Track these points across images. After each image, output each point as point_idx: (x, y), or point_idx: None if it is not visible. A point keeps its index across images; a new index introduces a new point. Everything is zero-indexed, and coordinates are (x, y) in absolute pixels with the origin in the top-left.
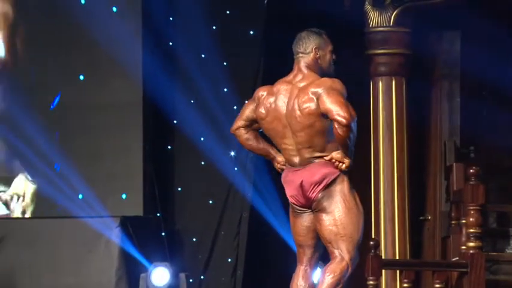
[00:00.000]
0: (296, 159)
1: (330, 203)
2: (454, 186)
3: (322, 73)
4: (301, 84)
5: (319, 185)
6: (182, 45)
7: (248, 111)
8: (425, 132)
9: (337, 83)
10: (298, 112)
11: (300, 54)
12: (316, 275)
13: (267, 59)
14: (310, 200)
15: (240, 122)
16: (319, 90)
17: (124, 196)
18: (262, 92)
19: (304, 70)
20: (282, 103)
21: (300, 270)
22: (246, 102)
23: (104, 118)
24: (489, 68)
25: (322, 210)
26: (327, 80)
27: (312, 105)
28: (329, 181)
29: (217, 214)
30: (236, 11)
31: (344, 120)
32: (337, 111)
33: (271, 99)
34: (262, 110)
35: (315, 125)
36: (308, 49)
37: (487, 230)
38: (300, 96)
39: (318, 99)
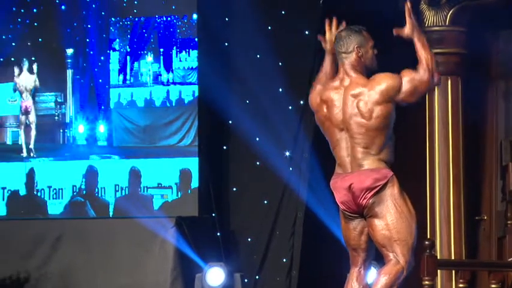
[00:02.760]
0: (348, 161)
1: (381, 208)
2: (510, 185)
3: (367, 70)
4: (356, 90)
5: (371, 191)
6: (238, 45)
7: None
8: (481, 132)
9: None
10: (360, 118)
11: (343, 55)
12: (370, 275)
13: (322, 58)
14: (361, 206)
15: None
16: (384, 82)
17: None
18: (314, 105)
19: (351, 72)
20: (336, 110)
21: (354, 272)
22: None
23: None
24: None
25: (374, 215)
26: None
27: (383, 106)
28: (380, 186)
29: (272, 214)
30: (291, 11)
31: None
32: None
33: (325, 107)
34: (317, 118)
35: (380, 125)
36: (350, 48)
37: None
38: (361, 100)
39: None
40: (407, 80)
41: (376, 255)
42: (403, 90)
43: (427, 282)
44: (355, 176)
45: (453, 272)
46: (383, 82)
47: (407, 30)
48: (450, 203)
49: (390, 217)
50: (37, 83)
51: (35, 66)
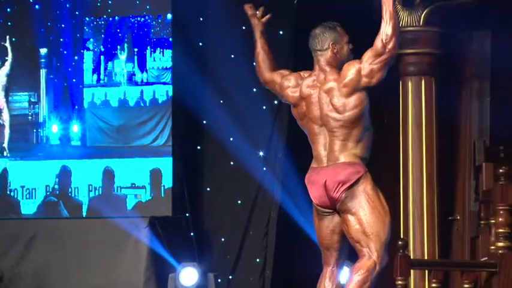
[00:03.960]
0: (324, 155)
1: (353, 203)
2: (483, 186)
3: (342, 65)
4: (328, 86)
5: (344, 184)
6: (212, 45)
7: (280, 77)
8: (455, 132)
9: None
10: (335, 113)
11: (318, 52)
12: (343, 274)
13: (297, 59)
14: (334, 200)
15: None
16: (347, 74)
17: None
18: (291, 100)
19: (326, 68)
20: (315, 107)
21: (327, 272)
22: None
23: None
24: None
25: (347, 211)
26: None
27: (356, 97)
28: (353, 181)
29: (246, 214)
30: (266, 11)
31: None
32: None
33: (304, 104)
34: (295, 112)
35: (355, 116)
36: (325, 46)
37: None
38: (333, 96)
39: (352, 78)
40: (365, 62)
41: (349, 255)
42: (363, 73)
43: (400, 282)
44: (330, 169)
45: (426, 271)
46: (347, 74)
47: None
48: (423, 203)
49: (363, 212)
50: (9, 81)
51: (7, 66)
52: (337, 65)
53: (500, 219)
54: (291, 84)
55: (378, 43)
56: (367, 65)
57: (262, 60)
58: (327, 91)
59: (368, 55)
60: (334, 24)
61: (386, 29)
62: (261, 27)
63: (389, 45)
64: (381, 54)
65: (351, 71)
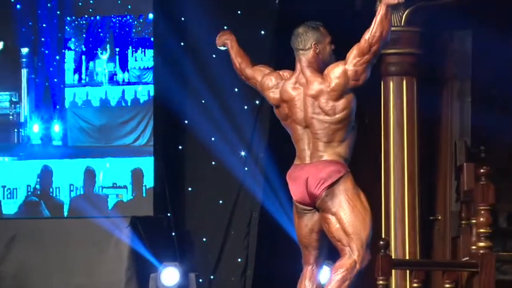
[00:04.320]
0: (308, 154)
1: (333, 202)
2: (464, 186)
3: (324, 66)
4: (314, 89)
5: (325, 182)
6: (194, 45)
7: (261, 75)
8: (436, 132)
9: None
10: (324, 116)
11: (301, 52)
12: (323, 274)
13: (278, 59)
14: (314, 197)
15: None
16: (335, 76)
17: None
18: (273, 101)
19: (307, 71)
20: (298, 110)
21: (307, 271)
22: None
23: None
24: (500, 68)
25: (327, 210)
26: (328, 69)
27: (344, 99)
28: (335, 179)
29: (228, 214)
30: (248, 11)
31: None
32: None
33: (286, 106)
34: (277, 112)
35: (343, 117)
36: (307, 45)
37: (497, 230)
38: (321, 99)
39: (339, 80)
40: (349, 63)
41: (328, 254)
42: (349, 75)
43: (381, 282)
44: (312, 166)
45: (407, 271)
46: (334, 77)
47: None
48: (405, 203)
49: (343, 212)
50: None
51: None
52: (319, 65)
53: (481, 219)
54: (271, 85)
55: (364, 43)
56: (352, 66)
57: (241, 62)
58: (314, 95)
59: (353, 55)
60: (317, 24)
61: (375, 30)
62: (233, 41)
63: (374, 47)
64: (364, 54)
65: (336, 73)
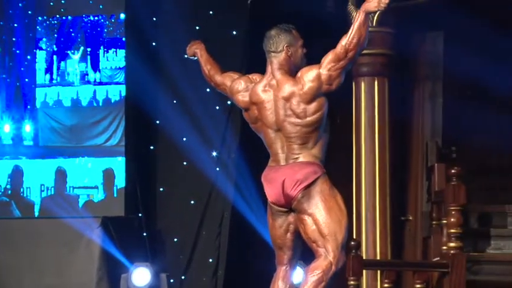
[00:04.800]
0: (283, 157)
1: (309, 203)
2: (435, 186)
3: (295, 69)
4: (286, 92)
5: (301, 183)
6: (165, 45)
7: (230, 80)
8: (408, 133)
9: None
10: (295, 119)
11: (272, 54)
12: (296, 275)
13: (250, 59)
14: (290, 198)
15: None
16: (308, 80)
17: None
18: (242, 104)
19: (277, 73)
20: (268, 113)
21: (280, 271)
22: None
23: None
24: (472, 68)
25: (303, 211)
26: (302, 72)
27: (316, 103)
28: (311, 181)
29: (199, 214)
30: (219, 12)
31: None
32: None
33: (256, 109)
34: (247, 116)
35: (315, 120)
36: (279, 48)
37: (468, 230)
38: (293, 102)
39: (313, 82)
40: (323, 67)
41: (302, 255)
42: (322, 79)
43: (352, 282)
44: (288, 167)
45: (378, 272)
46: (307, 80)
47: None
48: (376, 203)
49: (319, 213)
50: None
51: None
52: (290, 68)
53: (452, 219)
54: (240, 88)
55: (340, 48)
56: (326, 71)
57: (210, 69)
58: (286, 98)
59: (328, 59)
60: (290, 27)
61: (352, 36)
62: (202, 50)
63: (350, 53)
64: (340, 60)
65: (310, 77)
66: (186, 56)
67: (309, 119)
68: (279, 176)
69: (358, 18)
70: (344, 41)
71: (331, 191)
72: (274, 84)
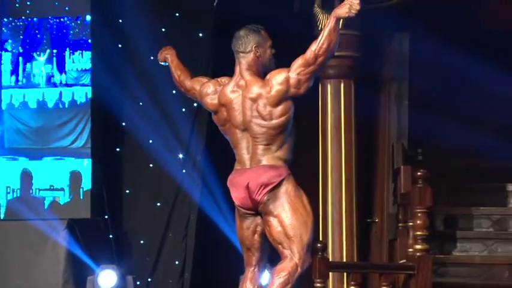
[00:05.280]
0: (247, 158)
1: (275, 205)
2: (401, 188)
3: (264, 69)
4: (253, 93)
5: (266, 187)
6: (131, 47)
7: (199, 84)
8: (374, 135)
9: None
10: (261, 120)
11: (241, 54)
12: (265, 277)
13: (216, 61)
14: (256, 202)
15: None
16: (276, 83)
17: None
18: (211, 107)
19: (246, 74)
20: (236, 113)
21: (249, 273)
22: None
23: None
24: (437, 70)
25: (269, 213)
26: (271, 75)
27: (282, 106)
28: (275, 183)
29: (165, 216)
30: (185, 14)
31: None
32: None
33: (225, 110)
34: (216, 118)
35: (280, 123)
36: (248, 48)
37: (434, 233)
38: (259, 104)
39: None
40: (293, 71)
41: (270, 257)
42: (291, 83)
43: (318, 285)
44: (252, 171)
45: (345, 274)
46: (275, 83)
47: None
48: (342, 206)
49: (285, 214)
50: None
51: None
52: (258, 69)
53: (418, 221)
54: (209, 91)
55: (310, 53)
56: (295, 75)
57: (180, 74)
58: (253, 99)
59: (297, 64)
60: (259, 28)
61: (322, 41)
62: (173, 56)
63: (320, 59)
64: (310, 65)
65: (278, 80)
66: (162, 63)
67: (274, 121)
68: (244, 179)
69: (328, 24)
70: (314, 47)
71: (296, 192)
72: (242, 84)
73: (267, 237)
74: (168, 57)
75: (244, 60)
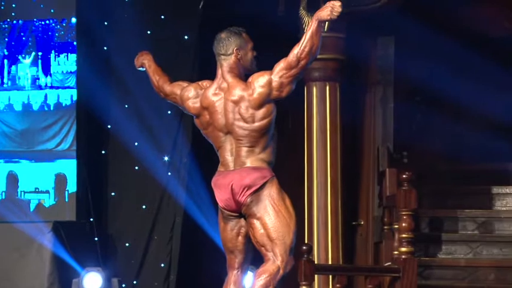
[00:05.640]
0: (231, 160)
1: (258, 207)
2: (386, 191)
3: (245, 72)
4: (236, 95)
5: (249, 189)
6: (117, 49)
7: (180, 89)
8: (359, 138)
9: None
10: (243, 123)
11: (222, 57)
12: (248, 279)
13: (201, 63)
14: (240, 204)
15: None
16: (258, 85)
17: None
18: (193, 111)
19: (228, 76)
20: (219, 116)
21: (232, 276)
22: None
23: None
24: (422, 74)
25: (252, 215)
26: (253, 77)
27: (265, 109)
28: (259, 186)
29: (151, 219)
30: (171, 16)
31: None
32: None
33: (208, 113)
34: (198, 122)
35: (263, 126)
36: (229, 51)
37: (419, 235)
38: (241, 106)
39: (264, 88)
40: (275, 74)
41: (253, 259)
42: (273, 86)
43: (304, 287)
44: (236, 173)
45: (330, 276)
46: (257, 86)
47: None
48: (328, 208)
49: (268, 217)
50: None
51: None
52: (240, 71)
53: (403, 224)
54: (191, 95)
55: (292, 57)
56: (278, 78)
57: (158, 79)
58: (235, 101)
59: (280, 67)
60: (240, 30)
61: (304, 44)
62: (150, 61)
63: (302, 62)
64: (292, 68)
65: (261, 83)
66: (139, 69)
67: (256, 124)
68: (227, 181)
69: (310, 27)
70: (296, 50)
71: (280, 195)
72: (225, 87)
73: (250, 240)
74: (145, 62)
75: (225, 63)
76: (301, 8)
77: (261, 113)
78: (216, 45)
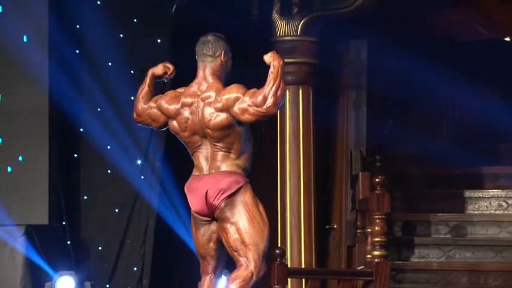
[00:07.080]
0: (206, 164)
1: (232, 212)
2: (359, 195)
3: (225, 77)
4: (206, 93)
5: (224, 193)
6: (89, 53)
7: (154, 101)
8: (332, 141)
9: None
10: (213, 125)
11: (209, 58)
12: (221, 283)
13: (174, 67)
14: (213, 207)
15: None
16: (229, 93)
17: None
18: (168, 105)
19: (210, 78)
20: (195, 117)
21: (205, 281)
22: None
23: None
24: (395, 77)
25: (226, 219)
26: (230, 88)
27: (224, 116)
28: (234, 190)
29: (123, 223)
30: (143, 20)
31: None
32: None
33: (186, 113)
34: (175, 124)
35: (234, 130)
36: (217, 53)
37: (392, 239)
38: (206, 104)
39: (229, 108)
40: (247, 97)
41: (227, 264)
42: (238, 105)
43: None
44: (211, 177)
45: (303, 280)
46: (229, 93)
47: (267, 57)
48: (301, 212)
49: (242, 222)
50: None
51: None
52: (222, 75)
53: (376, 228)
54: (167, 99)
55: (260, 96)
56: (245, 105)
57: (143, 96)
58: (204, 98)
59: (250, 96)
60: (223, 36)
61: (271, 87)
62: (156, 74)
63: (269, 104)
64: (258, 106)
65: (233, 94)
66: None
67: (211, 123)
68: (202, 185)
69: (276, 70)
70: (264, 91)
71: (253, 201)
72: (203, 89)
73: (223, 245)
74: (155, 70)
75: (210, 65)
76: (274, 11)
77: (219, 119)
78: (202, 46)
